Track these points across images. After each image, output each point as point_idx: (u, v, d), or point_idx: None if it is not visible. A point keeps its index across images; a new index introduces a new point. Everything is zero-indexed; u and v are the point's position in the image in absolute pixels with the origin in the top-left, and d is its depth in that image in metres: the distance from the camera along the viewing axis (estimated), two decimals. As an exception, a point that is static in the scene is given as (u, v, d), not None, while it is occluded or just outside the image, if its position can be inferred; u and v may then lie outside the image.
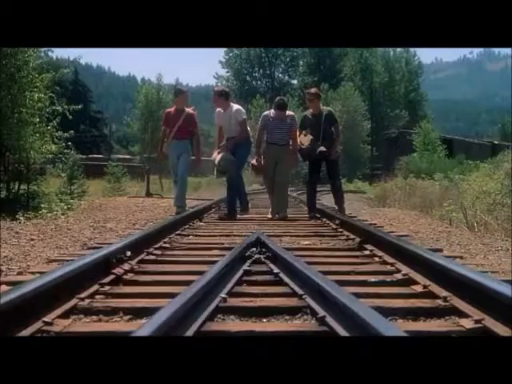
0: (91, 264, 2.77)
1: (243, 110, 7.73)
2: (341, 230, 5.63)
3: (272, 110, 7.47)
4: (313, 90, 7.77)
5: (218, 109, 7.57)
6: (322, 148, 7.26)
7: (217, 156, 7.42)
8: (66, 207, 11.31)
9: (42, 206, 10.85)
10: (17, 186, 12.37)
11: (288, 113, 7.50)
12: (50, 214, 9.12)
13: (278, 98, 7.73)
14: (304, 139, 7.33)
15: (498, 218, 8.20)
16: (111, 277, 2.99)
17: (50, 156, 12.83)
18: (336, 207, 7.75)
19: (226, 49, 54.32)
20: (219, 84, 49.09)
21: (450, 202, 10.63)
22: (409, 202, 14.46)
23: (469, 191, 11.63)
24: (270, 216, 7.46)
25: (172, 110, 7.80)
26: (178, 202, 7.68)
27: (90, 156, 35.60)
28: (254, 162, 7.70)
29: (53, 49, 12.71)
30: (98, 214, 7.95)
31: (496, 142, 41.09)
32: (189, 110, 7.74)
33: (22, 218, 7.89)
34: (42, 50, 12.50)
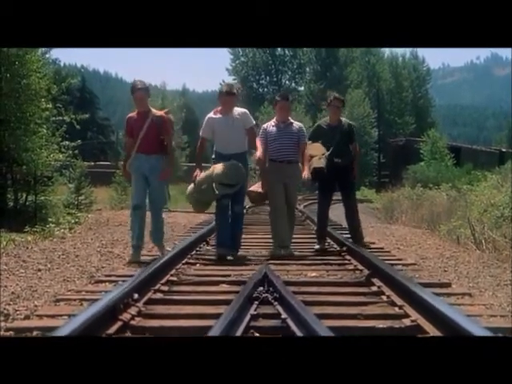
0: (98, 315, 2.76)
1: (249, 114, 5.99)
2: (348, 257, 5.60)
3: (274, 119, 6.32)
4: (337, 95, 6.67)
5: (210, 114, 5.85)
6: (322, 164, 6.00)
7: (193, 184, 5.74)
8: (73, 221, 11.37)
9: (50, 219, 10.90)
10: (24, 197, 12.48)
11: (295, 122, 6.30)
12: (56, 230, 9.12)
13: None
14: (315, 148, 6.16)
15: (506, 235, 8.15)
16: (118, 324, 2.98)
17: (58, 165, 12.93)
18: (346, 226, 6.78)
19: (232, 56, 54.47)
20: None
21: (458, 215, 10.57)
22: (416, 215, 14.38)
23: (476, 203, 11.57)
24: (273, 252, 5.98)
25: (134, 114, 5.83)
26: (138, 241, 5.64)
27: (97, 163, 35.66)
28: (255, 187, 6.22)
29: (60, 57, 12.88)
30: (105, 235, 7.95)
31: (504, 150, 40.94)
32: (157, 112, 5.86)
33: (29, 238, 7.90)
34: (50, 59, 12.63)
